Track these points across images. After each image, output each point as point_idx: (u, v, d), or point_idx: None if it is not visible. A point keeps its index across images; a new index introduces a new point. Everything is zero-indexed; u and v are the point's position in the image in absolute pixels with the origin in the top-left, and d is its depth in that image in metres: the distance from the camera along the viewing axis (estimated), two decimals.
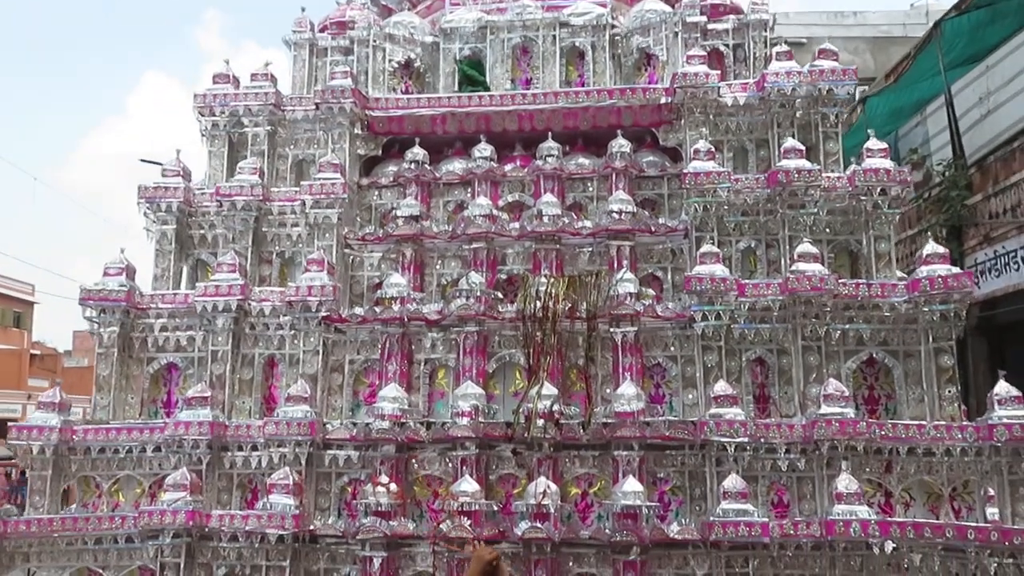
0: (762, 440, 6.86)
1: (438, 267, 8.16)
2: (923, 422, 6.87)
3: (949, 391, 7.06)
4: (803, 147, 7.69)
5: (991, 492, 6.76)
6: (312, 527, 6.99)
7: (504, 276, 8.04)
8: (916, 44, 16.18)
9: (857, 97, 18.73)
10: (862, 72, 20.10)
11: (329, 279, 7.62)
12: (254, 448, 7.32)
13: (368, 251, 8.25)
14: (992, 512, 6.70)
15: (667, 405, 7.50)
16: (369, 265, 8.25)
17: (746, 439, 6.78)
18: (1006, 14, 13.81)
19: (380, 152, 8.79)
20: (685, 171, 7.75)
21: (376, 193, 8.65)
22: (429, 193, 8.54)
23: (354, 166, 8.58)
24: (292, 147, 8.70)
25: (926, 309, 7.08)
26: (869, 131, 7.76)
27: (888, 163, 7.60)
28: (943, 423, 6.83)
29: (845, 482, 6.54)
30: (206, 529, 6.94)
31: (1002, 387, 6.77)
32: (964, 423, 6.85)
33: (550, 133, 8.41)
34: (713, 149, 7.83)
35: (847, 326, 7.29)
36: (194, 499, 6.91)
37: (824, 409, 6.76)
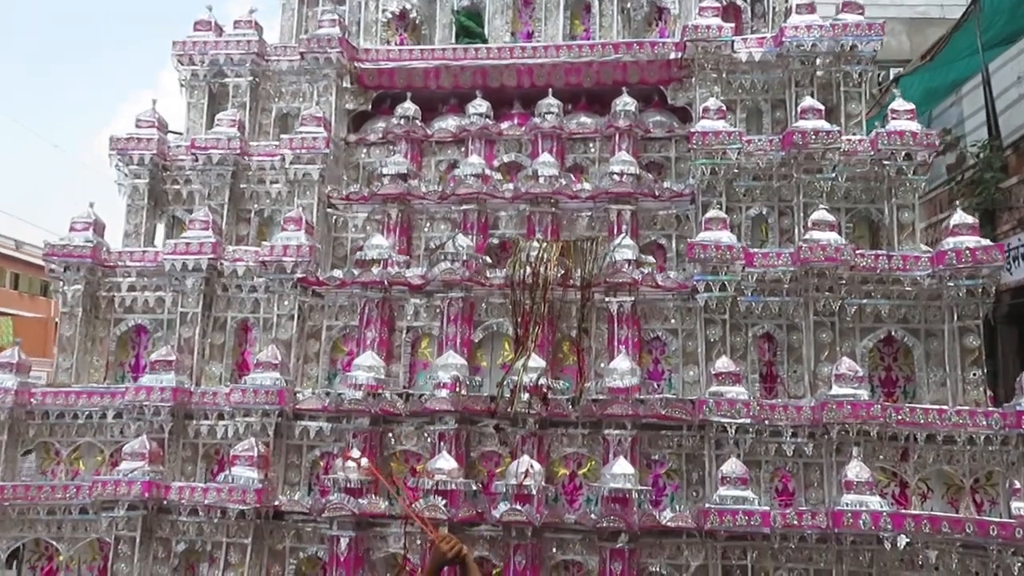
0: (766, 422, 6.30)
1: (426, 230, 7.64)
2: (944, 407, 6.26)
3: (974, 374, 6.45)
4: (822, 107, 7.06)
5: (1017, 485, 6.16)
6: (277, 503, 6.52)
7: (496, 241, 7.50)
8: (955, 21, 15.46)
9: (891, 77, 18.12)
10: (898, 54, 19.63)
11: (307, 239, 7.11)
12: (221, 417, 6.85)
13: (353, 212, 7.74)
14: (1017, 506, 6.10)
15: (666, 382, 6.94)
16: (353, 227, 7.74)
17: (749, 420, 6.22)
18: None
19: (370, 107, 8.25)
20: (692, 130, 7.15)
21: (364, 151, 8.13)
22: (420, 151, 8.00)
23: (341, 121, 8.06)
24: (276, 100, 8.19)
25: (951, 284, 6.46)
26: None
27: (915, 125, 6.96)
28: (966, 408, 6.22)
29: (856, 470, 5.97)
30: (164, 502, 6.49)
31: None
32: (990, 409, 6.24)
33: (551, 90, 7.83)
34: (724, 108, 7.23)
35: (864, 301, 6.69)
36: (153, 469, 6.45)
37: (835, 390, 6.18)
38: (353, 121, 8.33)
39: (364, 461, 6.34)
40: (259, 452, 6.43)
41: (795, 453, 6.34)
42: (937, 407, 6.26)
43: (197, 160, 7.61)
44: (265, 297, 7.22)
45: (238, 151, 7.53)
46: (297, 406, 6.74)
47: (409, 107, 7.89)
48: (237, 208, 7.74)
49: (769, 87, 7.65)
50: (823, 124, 6.91)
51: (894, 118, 7.05)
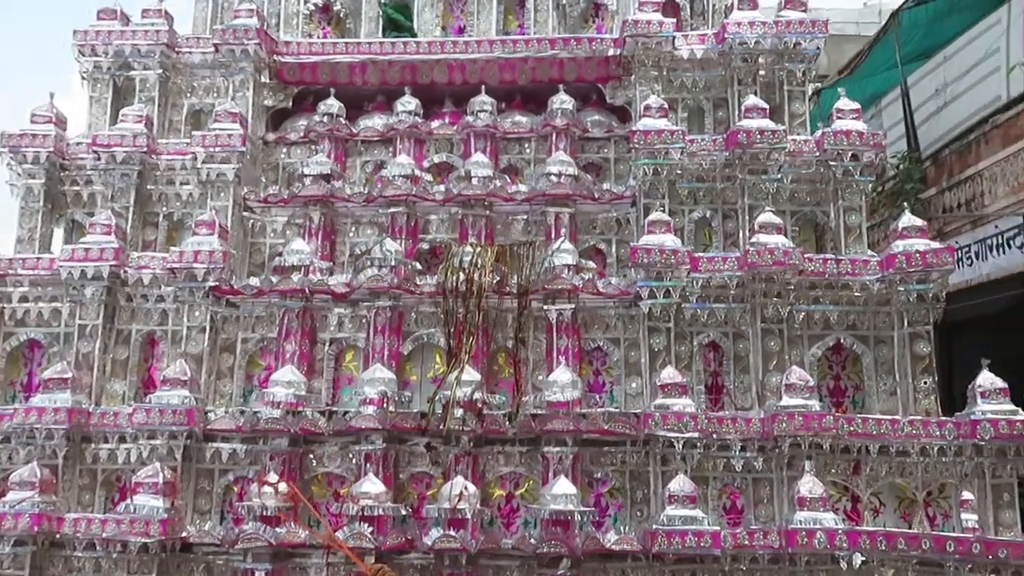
0: (714, 436, 5.96)
1: (351, 235, 7.13)
2: (897, 417, 6.00)
3: (925, 382, 6.21)
4: (766, 106, 6.79)
5: (967, 496, 5.91)
6: (185, 534, 5.91)
7: (427, 246, 7.04)
8: (873, 36, 15.61)
9: (811, 92, 18.28)
10: (816, 69, 19.82)
11: (220, 244, 6.54)
12: (123, 440, 6.23)
13: (272, 215, 7.18)
14: (967, 518, 5.85)
15: (608, 395, 6.56)
16: (272, 231, 7.18)
17: (696, 434, 5.87)
18: (964, 7, 13.22)
19: (290, 104, 7.72)
20: (633, 129, 6.80)
21: (284, 150, 7.58)
22: (345, 151, 7.49)
23: (259, 118, 7.51)
24: (188, 96, 7.59)
25: (901, 289, 6.22)
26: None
27: (861, 125, 6.73)
28: (919, 418, 5.97)
29: (809, 485, 5.65)
30: (57, 536, 5.84)
31: (986, 378, 5.94)
32: (943, 419, 5.99)
33: (484, 87, 7.41)
34: (666, 106, 6.89)
35: (812, 307, 6.42)
36: (44, 500, 5.81)
37: (785, 401, 5.88)
38: (273, 119, 7.79)
39: (282, 486, 5.80)
40: (165, 478, 5.83)
41: (744, 468, 6.02)
42: (890, 418, 6.00)
43: (99, 159, 6.97)
44: (174, 308, 6.62)
45: (144, 149, 6.92)
46: (208, 426, 6.16)
47: (333, 104, 7.38)
48: (144, 211, 7.11)
49: (711, 86, 7.35)
50: (768, 123, 6.64)
51: (839, 118, 6.80)
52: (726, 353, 6.46)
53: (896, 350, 6.32)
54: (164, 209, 7.15)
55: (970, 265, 12.25)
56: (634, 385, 6.45)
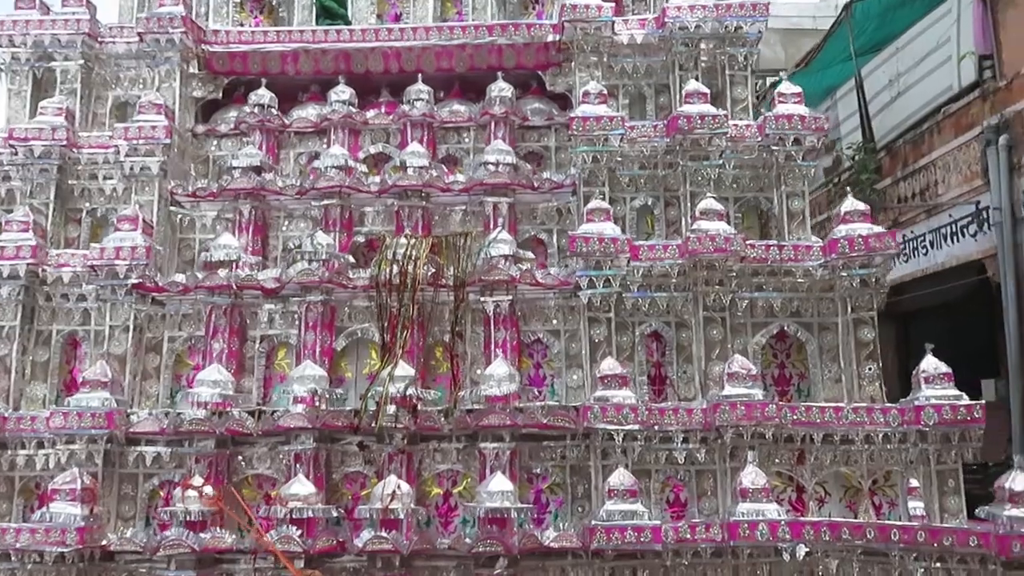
0: (656, 428, 5.79)
1: (284, 229, 6.92)
2: (841, 405, 5.87)
3: (869, 369, 6.09)
4: (707, 91, 6.65)
5: (914, 484, 5.80)
6: (105, 542, 5.63)
7: (362, 239, 6.82)
8: (828, 28, 15.63)
9: (767, 85, 18.25)
10: (772, 63, 19.74)
11: (144, 240, 6.28)
12: (41, 445, 5.94)
13: (201, 210, 6.92)
14: (914, 506, 5.74)
15: (548, 388, 6.38)
16: (202, 227, 6.92)
17: (636, 427, 5.70)
18: None
19: (220, 95, 7.46)
20: (572, 115, 6.62)
21: (215, 143, 7.33)
22: (277, 143, 7.26)
23: (188, 110, 7.25)
24: (113, 87, 7.32)
25: (844, 274, 6.10)
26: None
27: (803, 109, 6.60)
28: (863, 406, 5.85)
29: (751, 476, 5.50)
30: None
31: (929, 363, 5.82)
32: (887, 405, 5.88)
33: (420, 76, 7.21)
34: (605, 92, 6.73)
35: (755, 295, 6.28)
36: None
37: (728, 390, 5.73)
38: (204, 111, 7.54)
39: (208, 489, 5.55)
40: (83, 484, 5.55)
41: (687, 460, 5.87)
42: (834, 405, 5.86)
43: (16, 153, 6.67)
44: (96, 307, 6.35)
45: (64, 143, 6.64)
46: (131, 429, 5.89)
47: (264, 94, 7.14)
48: (65, 208, 6.83)
49: (652, 72, 7.21)
50: (709, 108, 6.49)
51: (781, 102, 6.67)
52: (669, 343, 6.31)
53: (840, 337, 6.21)
54: (87, 205, 6.87)
55: (925, 254, 12.28)
56: (575, 377, 6.28)
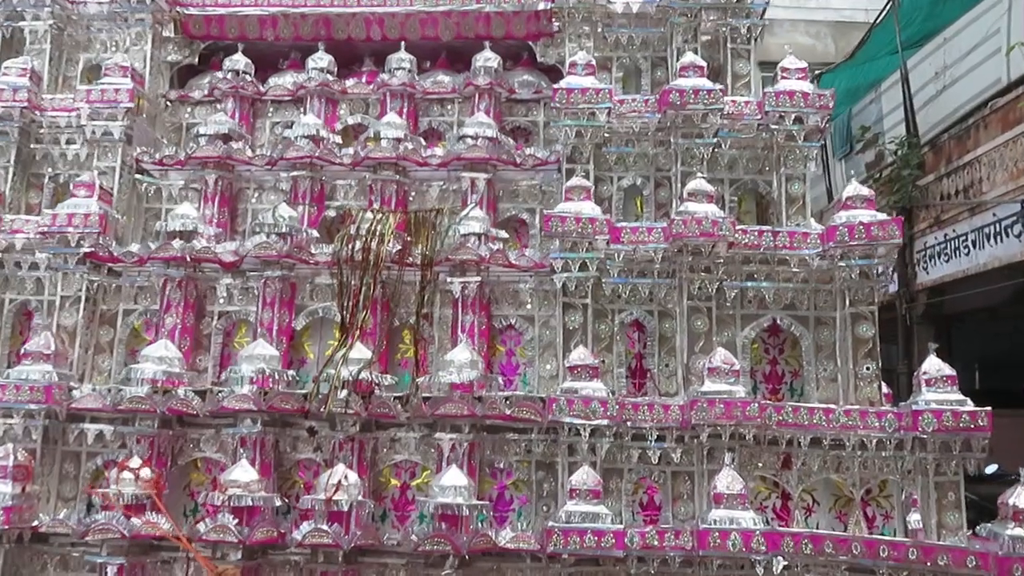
0: (629, 424, 5.35)
1: (254, 202, 6.57)
2: (832, 406, 5.37)
3: (868, 368, 5.59)
4: (704, 64, 6.15)
5: (916, 496, 5.30)
6: (36, 522, 5.34)
7: (333, 213, 6.45)
8: (874, 20, 15.01)
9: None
10: (824, 57, 19.15)
11: (99, 207, 5.96)
12: None
13: (169, 179, 6.60)
14: (916, 519, 5.24)
15: (521, 377, 5.96)
16: (169, 196, 6.60)
17: (605, 422, 5.26)
18: None
19: (197, 61, 7.14)
20: (556, 87, 6.18)
21: (188, 110, 7.01)
22: (253, 112, 6.92)
23: (161, 75, 6.96)
24: (85, 50, 7.01)
25: (843, 264, 5.60)
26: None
27: (806, 85, 6.09)
28: (856, 408, 5.34)
29: (727, 480, 5.04)
30: None
31: (932, 364, 5.32)
32: (883, 408, 5.37)
33: (404, 44, 6.83)
34: (594, 62, 6.27)
35: (746, 284, 5.79)
36: None
37: (707, 386, 5.26)
38: (182, 77, 7.23)
39: (145, 472, 5.23)
40: (16, 461, 5.26)
41: (662, 460, 5.41)
42: (824, 406, 5.37)
43: None
44: (48, 276, 6.05)
45: (26, 104, 6.35)
46: (72, 405, 5.57)
47: (239, 60, 6.80)
48: (27, 172, 6.55)
49: (648, 44, 6.75)
50: (703, 82, 6.00)
51: (784, 77, 6.17)
52: (651, 333, 5.86)
53: (838, 332, 5.70)
54: (50, 171, 6.58)
55: (967, 254, 11.76)
56: (548, 367, 5.86)
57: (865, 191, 5.77)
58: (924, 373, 5.28)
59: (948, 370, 5.27)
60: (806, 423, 5.30)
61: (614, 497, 5.36)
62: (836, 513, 5.51)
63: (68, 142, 6.52)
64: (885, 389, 6.00)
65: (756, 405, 5.20)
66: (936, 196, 12.66)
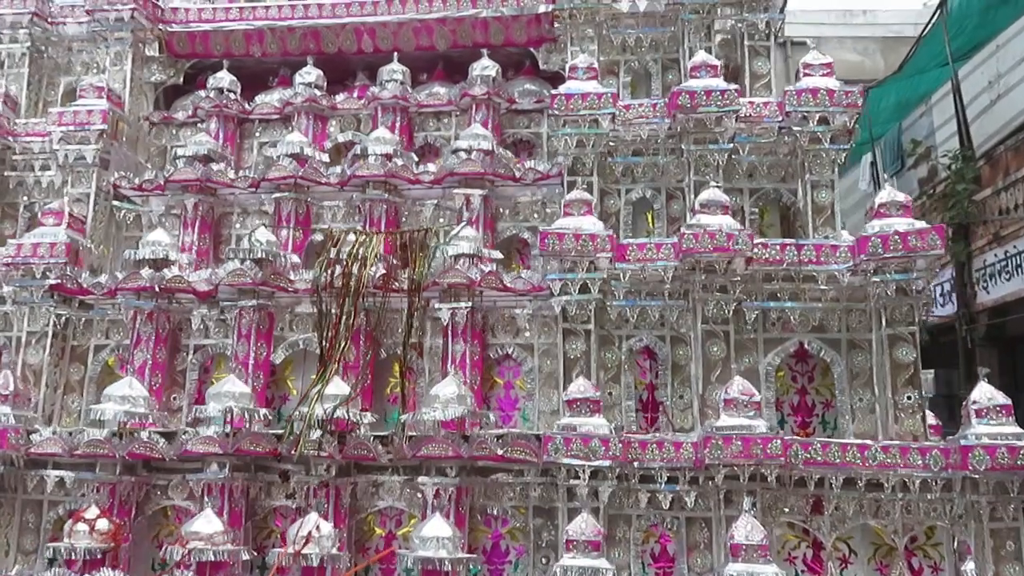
0: (635, 464, 4.74)
1: (238, 227, 6.17)
2: (868, 442, 4.70)
3: (909, 397, 4.91)
4: (717, 63, 5.59)
5: (970, 543, 4.60)
6: None
7: (320, 237, 5.98)
8: (922, 29, 14.30)
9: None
10: (873, 72, 18.44)
11: (69, 236, 5.60)
12: None
13: (149, 205, 6.22)
14: (971, 568, 4.53)
15: (520, 412, 5.40)
16: (149, 224, 6.21)
17: (607, 462, 4.66)
18: None
19: (182, 81, 6.78)
20: (554, 93, 5.66)
21: (172, 132, 6.65)
22: (240, 132, 6.56)
23: (144, 96, 6.65)
24: (66, 73, 6.72)
25: (877, 280, 4.94)
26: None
27: (832, 82, 5.48)
28: (895, 443, 4.66)
29: (746, 529, 4.38)
30: None
31: (983, 392, 4.61)
32: (927, 444, 4.69)
33: (397, 55, 6.39)
34: (596, 65, 5.76)
35: (768, 304, 5.17)
36: None
37: (723, 420, 4.63)
38: (168, 98, 6.88)
39: (103, 524, 4.77)
40: None
41: (674, 505, 4.79)
42: (858, 442, 4.70)
43: None
44: (14, 310, 5.67)
45: None
46: (32, 450, 5.15)
47: (223, 77, 6.43)
48: (2, 202, 6.27)
49: (658, 45, 6.22)
50: (717, 83, 5.45)
51: (807, 74, 5.56)
52: (662, 361, 5.26)
53: (874, 357, 5.04)
54: (25, 199, 6.26)
55: None
56: (551, 401, 5.29)
57: (900, 196, 5.12)
58: (974, 402, 4.59)
59: (1002, 398, 4.57)
60: (838, 461, 4.64)
61: (621, 547, 4.77)
62: (876, 565, 4.81)
63: (43, 168, 6.22)
64: (932, 420, 5.32)
65: (779, 442, 4.55)
66: (994, 211, 11.87)
